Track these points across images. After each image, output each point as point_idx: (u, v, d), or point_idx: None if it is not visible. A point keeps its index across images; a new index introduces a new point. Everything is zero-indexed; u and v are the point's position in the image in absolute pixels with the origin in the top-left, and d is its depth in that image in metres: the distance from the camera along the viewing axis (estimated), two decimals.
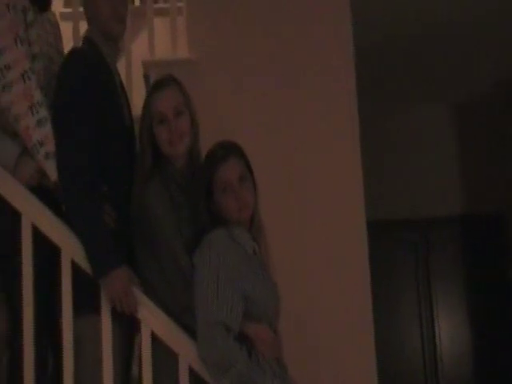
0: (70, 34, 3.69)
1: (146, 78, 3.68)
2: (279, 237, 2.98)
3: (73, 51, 2.76)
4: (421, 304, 6.11)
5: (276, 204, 3.38)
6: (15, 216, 2.51)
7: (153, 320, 2.52)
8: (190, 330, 2.47)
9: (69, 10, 3.99)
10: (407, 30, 4.78)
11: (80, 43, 3.65)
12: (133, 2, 4.44)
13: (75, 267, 2.51)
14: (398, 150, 6.25)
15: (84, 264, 2.50)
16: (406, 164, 6.24)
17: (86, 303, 2.52)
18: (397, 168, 6.23)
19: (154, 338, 2.51)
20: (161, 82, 2.74)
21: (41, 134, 2.52)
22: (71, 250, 2.52)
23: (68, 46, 3.17)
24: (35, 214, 2.53)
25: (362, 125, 3.68)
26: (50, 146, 2.53)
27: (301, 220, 3.54)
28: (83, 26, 3.78)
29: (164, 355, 2.50)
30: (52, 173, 2.53)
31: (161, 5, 4.37)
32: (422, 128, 6.30)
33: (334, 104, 3.63)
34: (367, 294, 3.49)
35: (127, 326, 2.58)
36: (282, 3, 3.66)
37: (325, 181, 3.59)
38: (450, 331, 6.07)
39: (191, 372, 2.49)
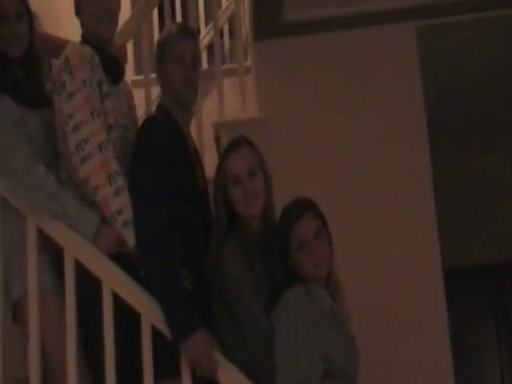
0: (142, 100, 3.78)
1: (217, 139, 3.74)
2: (356, 290, 2.97)
3: (147, 119, 2.82)
4: (502, 352, 5.96)
5: (352, 257, 3.38)
6: (97, 284, 2.57)
7: (233, 383, 2.52)
8: None
9: (140, 77, 4.10)
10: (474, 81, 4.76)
11: (152, 109, 3.83)
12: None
13: (155, 332, 2.54)
14: (473, 198, 6.17)
15: (163, 328, 2.53)
16: (482, 212, 6.15)
17: (166, 368, 2.54)
18: (472, 216, 6.14)
19: None
20: (234, 144, 2.78)
21: (119, 202, 2.58)
22: (151, 314, 2.55)
23: (140, 111, 3.26)
24: (115, 281, 2.58)
25: (435, 175, 3.67)
26: (128, 214, 2.58)
27: (377, 272, 3.54)
28: (154, 92, 3.93)
29: None
30: (130, 240, 2.58)
31: (229, 65, 4.46)
32: (498, 176, 6.21)
33: (407, 155, 3.65)
34: (446, 345, 3.46)
35: None
36: (349, 60, 3.71)
37: (400, 232, 3.60)
38: None
39: None
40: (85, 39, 2.82)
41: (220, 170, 2.74)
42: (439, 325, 3.50)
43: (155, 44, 4.48)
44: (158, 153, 2.64)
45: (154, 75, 3.76)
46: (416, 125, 3.68)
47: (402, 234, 3.61)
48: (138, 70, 4.56)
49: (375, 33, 3.73)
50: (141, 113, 3.47)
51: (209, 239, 2.70)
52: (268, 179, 2.75)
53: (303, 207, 2.67)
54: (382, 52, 3.73)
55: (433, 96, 3.91)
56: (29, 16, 2.86)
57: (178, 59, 2.79)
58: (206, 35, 4.72)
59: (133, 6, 4.75)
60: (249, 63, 4.08)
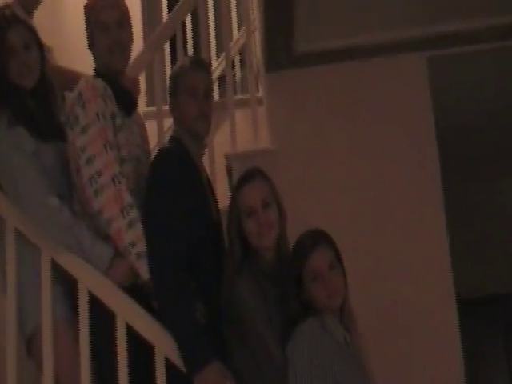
0: (154, 131, 3.80)
1: (229, 170, 3.75)
2: (369, 322, 2.96)
3: (161, 151, 2.84)
4: None
5: (364, 285, 3.37)
6: (111, 316, 2.57)
7: None
8: None
9: (152, 108, 4.13)
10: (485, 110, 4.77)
11: (165, 141, 3.84)
12: None
13: (169, 364, 2.54)
14: (486, 225, 6.15)
15: (177, 360, 2.52)
16: (496, 239, 6.13)
17: None
18: (485, 244, 6.12)
19: None
20: (247, 175, 2.79)
21: (132, 235, 2.59)
22: (164, 346, 2.55)
23: (152, 143, 3.28)
24: (129, 313, 2.59)
25: (447, 203, 3.67)
26: (141, 246, 2.59)
27: (390, 301, 3.53)
28: (166, 123, 3.96)
29: None
30: (144, 272, 2.58)
31: (240, 96, 4.48)
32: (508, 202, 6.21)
33: (419, 183, 3.66)
34: (460, 373, 3.44)
35: None
36: (361, 91, 3.73)
37: (412, 259, 3.60)
38: None
39: None
40: (98, 72, 2.85)
41: (234, 201, 2.75)
42: (452, 352, 3.49)
43: (167, 76, 4.60)
44: (171, 185, 2.65)
45: (166, 107, 3.83)
46: (428, 153, 3.69)
47: (415, 261, 3.60)
48: (151, 101, 4.59)
49: (386, 63, 3.74)
50: (153, 144, 3.48)
51: (222, 270, 2.70)
52: (282, 211, 2.76)
53: (316, 239, 2.68)
54: (394, 82, 3.74)
55: (444, 125, 3.91)
56: (39, 46, 2.88)
57: (191, 92, 2.82)
58: (217, 67, 4.75)
59: (145, 39, 4.78)
60: (260, 94, 4.10)
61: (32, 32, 2.87)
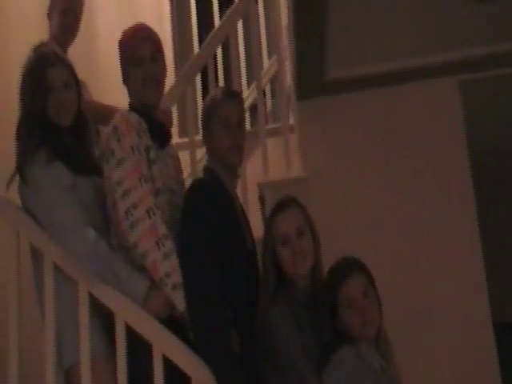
0: (187, 162, 3.83)
1: (262, 199, 3.76)
2: (405, 349, 2.94)
3: (195, 183, 2.87)
4: None
5: (400, 313, 3.36)
6: (148, 348, 2.59)
7: None
8: None
9: (185, 139, 4.16)
10: None
11: (198, 171, 3.88)
12: None
13: None
14: None
15: None
16: None
17: None
18: None
19: None
20: (281, 204, 2.80)
21: (167, 266, 2.60)
22: (201, 377, 2.55)
23: (185, 173, 3.30)
24: (166, 345, 2.60)
25: (482, 227, 3.65)
26: (177, 278, 2.60)
27: (427, 328, 3.51)
28: (199, 154, 3.99)
29: None
30: (180, 303, 2.59)
31: (272, 125, 4.50)
32: None
33: (453, 209, 3.65)
34: None
35: None
36: (393, 117, 3.74)
37: (448, 285, 3.56)
38: None
39: None
40: (132, 106, 2.88)
41: (268, 230, 2.76)
42: (491, 378, 3.45)
43: (199, 106, 4.64)
44: (206, 216, 2.67)
45: (198, 137, 3.86)
46: (461, 179, 3.67)
47: (450, 285, 3.58)
48: (183, 132, 4.64)
49: (418, 88, 3.74)
50: (186, 174, 3.51)
51: (257, 298, 2.71)
52: (316, 239, 2.77)
53: (350, 267, 2.69)
54: (426, 107, 3.74)
55: (477, 150, 3.90)
56: (76, 85, 2.93)
57: (223, 123, 2.84)
58: (248, 96, 4.78)
59: (176, 71, 4.83)
60: (292, 122, 4.11)
61: (71, 71, 2.92)
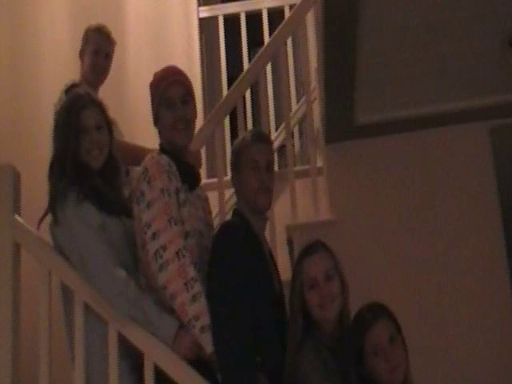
0: (215, 202, 3.85)
1: (290, 241, 3.75)
2: None
3: (224, 225, 2.89)
4: None
5: (428, 359, 3.33)
6: None
7: None
8: None
9: (213, 180, 4.19)
10: None
11: (225, 211, 3.90)
12: None
13: None
14: None
15: None
16: None
17: None
18: None
19: None
20: (310, 248, 2.80)
21: (196, 308, 2.60)
22: None
23: (213, 213, 3.31)
24: None
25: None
26: (205, 320, 2.60)
27: (456, 373, 3.47)
28: (227, 194, 4.01)
29: None
30: (208, 346, 2.59)
31: (300, 167, 4.52)
32: None
33: (483, 252, 3.64)
34: None
35: None
36: (422, 161, 3.75)
37: (475, 335, 3.53)
38: None
39: None
40: (162, 148, 2.91)
41: (296, 273, 2.76)
42: None
43: (228, 148, 4.67)
44: (234, 259, 2.68)
45: (226, 178, 3.89)
46: (491, 224, 3.65)
47: (479, 331, 3.54)
48: (211, 173, 4.67)
49: (448, 133, 3.74)
50: (214, 214, 3.52)
51: (284, 342, 2.70)
52: (344, 283, 2.76)
53: (376, 312, 2.69)
54: (455, 152, 3.74)
55: (508, 195, 3.87)
56: (108, 127, 2.97)
57: (253, 165, 2.85)
58: (276, 137, 4.81)
59: (206, 113, 4.88)
60: (320, 164, 4.12)
61: (104, 113, 2.96)
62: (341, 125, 3.69)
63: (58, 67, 4.78)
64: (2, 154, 4.42)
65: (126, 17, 5.12)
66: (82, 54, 3.98)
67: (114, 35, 4.03)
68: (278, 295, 2.88)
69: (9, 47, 4.88)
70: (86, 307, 2.74)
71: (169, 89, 2.91)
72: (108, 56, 3.98)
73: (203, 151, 4.21)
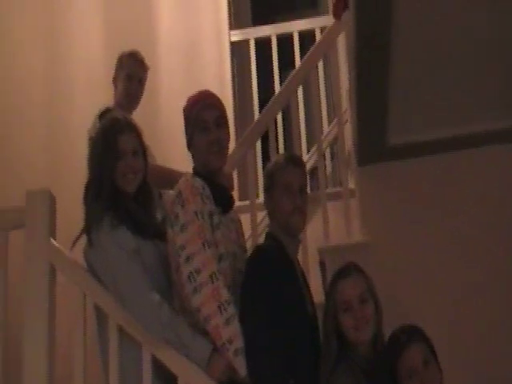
0: (247, 224, 3.85)
1: (322, 264, 3.75)
2: None
3: (258, 249, 2.90)
4: None
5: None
6: None
7: None
8: None
9: (245, 202, 4.20)
10: None
11: (259, 233, 3.91)
12: None
13: None
14: None
15: None
16: None
17: None
18: None
19: None
20: (344, 271, 2.81)
21: (229, 331, 2.61)
22: None
23: (246, 235, 3.32)
24: None
25: None
26: (239, 343, 2.61)
27: None
28: (259, 216, 4.02)
29: None
30: (241, 369, 2.59)
31: (332, 189, 4.52)
32: None
33: None
34: None
35: None
36: (456, 183, 3.71)
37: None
38: None
39: None
40: (196, 171, 2.93)
41: (330, 296, 2.77)
42: None
43: (259, 170, 4.69)
44: (268, 282, 2.68)
45: (258, 201, 3.90)
46: None
47: None
48: (243, 195, 4.68)
49: (480, 154, 3.71)
50: (246, 237, 3.53)
51: (318, 364, 2.71)
52: (378, 306, 2.76)
53: (410, 335, 2.70)
54: (488, 174, 3.71)
55: None
56: (144, 152, 2.99)
57: (286, 188, 2.86)
58: (308, 160, 4.82)
59: (237, 136, 4.91)
60: (352, 186, 4.12)
61: (140, 139, 2.98)
62: (373, 147, 3.69)
63: (92, 93, 4.84)
64: (38, 179, 4.47)
65: (159, 42, 5.18)
66: (115, 79, 4.03)
67: (146, 60, 4.07)
68: (311, 317, 2.88)
69: (44, 74, 4.95)
70: (120, 330, 2.76)
71: (203, 112, 2.93)
72: (141, 81, 4.02)
73: (235, 174, 4.23)
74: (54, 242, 2.91)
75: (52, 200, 2.96)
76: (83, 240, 2.89)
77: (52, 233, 2.93)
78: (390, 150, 3.69)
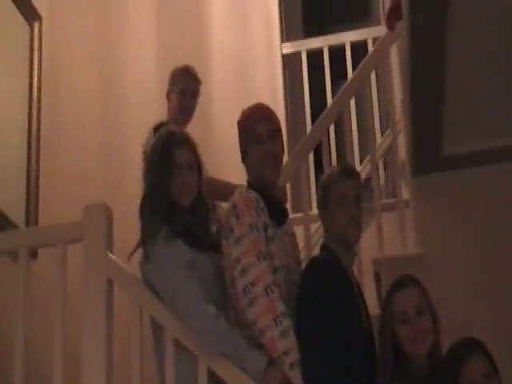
0: (300, 237, 3.84)
1: (377, 275, 3.73)
2: None
3: (313, 261, 2.89)
4: None
5: None
6: None
7: None
8: None
9: (299, 214, 4.20)
10: None
11: (312, 245, 3.90)
12: None
13: None
14: None
15: None
16: None
17: None
18: None
19: None
20: (401, 282, 2.79)
21: (285, 344, 2.60)
22: None
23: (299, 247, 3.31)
24: None
25: None
26: (295, 356, 2.60)
27: None
28: (312, 228, 4.01)
29: None
30: (297, 381, 2.58)
31: (386, 200, 4.50)
32: None
33: None
34: None
35: None
36: (509, 190, 3.65)
37: None
38: None
39: None
40: (250, 183, 2.94)
41: (387, 307, 2.75)
42: None
43: (313, 182, 4.69)
44: (324, 295, 2.68)
45: (311, 212, 3.89)
46: None
47: None
48: (296, 207, 4.68)
49: None
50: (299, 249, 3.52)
51: (374, 376, 2.69)
52: (435, 317, 2.73)
53: (471, 348, 2.66)
54: None
55: None
56: (199, 166, 3.01)
57: (341, 200, 2.86)
58: (361, 171, 4.80)
59: (290, 148, 4.91)
60: (406, 197, 4.10)
61: (196, 153, 3.01)
62: (427, 157, 3.66)
63: (145, 108, 4.90)
64: (95, 193, 4.53)
65: (211, 55, 5.22)
66: (168, 94, 4.08)
67: (199, 74, 4.11)
68: (367, 330, 2.86)
69: (99, 93, 5.02)
70: (177, 342, 2.77)
71: (257, 125, 2.94)
72: (194, 95, 4.06)
73: (288, 186, 4.23)
74: (112, 256, 2.94)
75: (109, 213, 2.99)
76: (139, 253, 2.92)
77: (109, 246, 2.96)
78: (445, 160, 3.66)
